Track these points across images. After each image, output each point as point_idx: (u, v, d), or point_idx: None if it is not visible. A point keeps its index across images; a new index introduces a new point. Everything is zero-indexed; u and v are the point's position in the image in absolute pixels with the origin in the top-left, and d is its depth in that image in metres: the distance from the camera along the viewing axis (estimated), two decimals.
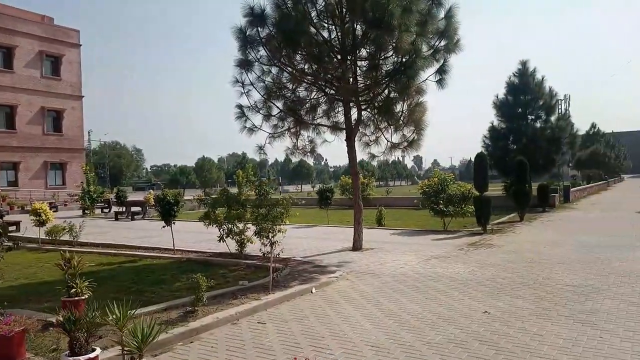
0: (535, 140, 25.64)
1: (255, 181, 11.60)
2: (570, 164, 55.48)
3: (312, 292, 8.01)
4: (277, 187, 75.23)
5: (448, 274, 9.17)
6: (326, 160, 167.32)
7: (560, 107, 30.17)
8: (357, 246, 12.45)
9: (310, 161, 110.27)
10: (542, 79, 26.58)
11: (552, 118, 26.70)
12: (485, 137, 27.64)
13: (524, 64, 26.72)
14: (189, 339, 5.77)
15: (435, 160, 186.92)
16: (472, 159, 27.08)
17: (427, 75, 11.56)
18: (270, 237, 8.59)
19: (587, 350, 4.95)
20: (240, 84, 12.14)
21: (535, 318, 6.17)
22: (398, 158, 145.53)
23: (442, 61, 11.54)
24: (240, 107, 12.26)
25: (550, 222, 18.32)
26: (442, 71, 11.52)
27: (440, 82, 11.54)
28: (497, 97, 27.28)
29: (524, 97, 26.52)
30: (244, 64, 11.96)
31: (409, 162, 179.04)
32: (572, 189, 30.81)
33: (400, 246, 12.91)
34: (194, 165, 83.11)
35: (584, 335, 5.41)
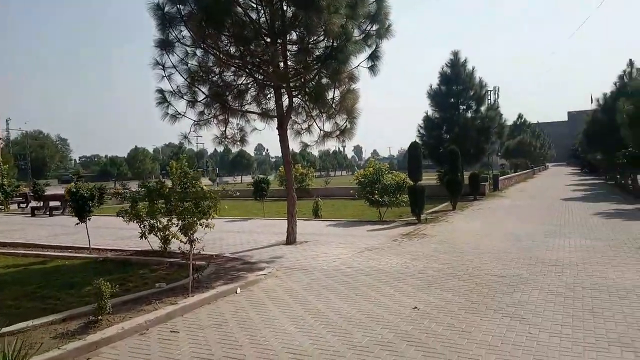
0: (466, 129, 26.33)
1: (180, 173, 10.77)
2: (500, 153, 58.20)
3: (236, 292, 7.43)
4: (215, 178, 73.38)
5: (380, 267, 8.90)
6: (267, 150, 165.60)
7: (489, 98, 31.26)
8: (290, 240, 11.98)
9: (250, 151, 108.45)
10: (473, 69, 27.34)
11: (482, 108, 27.54)
12: (420, 126, 28.07)
13: (455, 54, 27.31)
14: (86, 355, 5.03)
15: (375, 151, 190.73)
16: None
17: (360, 61, 11.27)
18: (189, 234, 7.87)
19: (517, 349, 4.76)
20: (161, 67, 11.19)
21: (465, 313, 5.97)
22: (338, 148, 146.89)
23: (374, 47, 11.22)
24: (161, 91, 11.31)
25: (480, 211, 18.79)
26: (374, 57, 11.21)
27: (372, 69, 11.23)
28: (431, 87, 27.76)
29: (456, 87, 27.13)
30: (164, 45, 11.01)
31: (349, 152, 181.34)
32: (501, 178, 32.08)
33: (335, 238, 12.58)
34: (126, 156, 78.95)
35: (513, 331, 5.24)
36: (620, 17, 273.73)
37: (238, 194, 26.72)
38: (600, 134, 26.80)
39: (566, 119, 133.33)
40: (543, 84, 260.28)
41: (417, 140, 28.40)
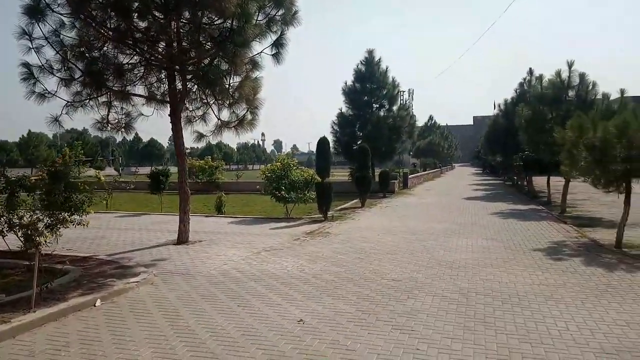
0: (379, 128, 26.49)
1: (51, 162, 9.24)
2: (411, 153, 60.41)
3: (95, 305, 6.25)
4: (119, 168, 68.49)
5: (274, 271, 8.13)
6: None
7: (402, 98, 31.92)
8: (182, 239, 10.85)
9: (164, 141, 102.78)
10: (387, 69, 27.56)
11: (395, 107, 27.88)
12: (334, 123, 27.81)
13: (370, 52, 27.36)
14: None
15: (294, 145, 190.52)
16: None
17: (263, 47, 10.41)
18: (35, 236, 6.53)
19: None
20: (28, 37, 9.50)
21: (353, 326, 5.37)
22: (257, 142, 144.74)
23: (279, 33, 10.41)
24: (27, 65, 9.60)
25: (388, 208, 18.79)
26: (279, 44, 10.40)
27: (276, 57, 10.43)
28: (346, 83, 27.60)
29: (370, 85, 27.20)
30: (34, 12, 9.36)
31: (269, 147, 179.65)
32: (410, 176, 32.93)
33: (234, 237, 11.63)
34: (18, 141, 71.02)
35: (400, 348, 4.71)
36: (522, 25, 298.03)
37: (132, 186, 24.81)
38: (500, 137, 28.27)
39: (472, 122, 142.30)
40: (452, 88, 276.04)
41: (332, 137, 28.39)
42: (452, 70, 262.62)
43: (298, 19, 10.40)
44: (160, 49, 9.73)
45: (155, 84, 11.16)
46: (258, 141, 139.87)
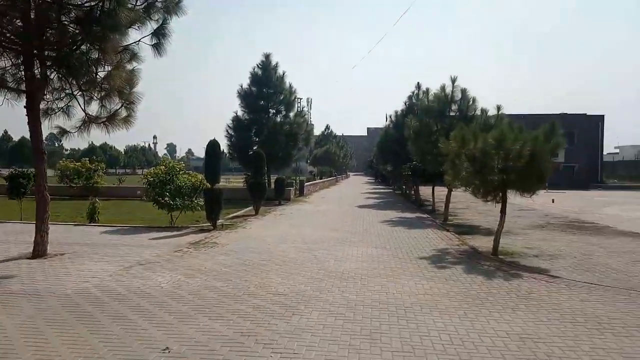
0: (275, 133, 26.07)
1: None
2: (309, 160, 61.11)
3: None
4: None
5: (145, 288, 7.15)
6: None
7: (300, 105, 31.91)
8: (38, 252, 9.30)
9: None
10: (284, 74, 27.28)
11: (291, 114, 27.70)
12: (229, 127, 26.78)
13: (267, 56, 26.90)
14: None
15: (190, 150, 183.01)
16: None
17: (142, 36, 9.38)
18: None
19: None
20: None
21: (227, 351, 4.71)
22: (149, 145, 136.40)
23: (160, 22, 9.45)
24: None
25: (282, 216, 18.34)
26: (160, 34, 9.45)
27: (157, 47, 9.45)
28: (242, 87, 26.79)
29: (267, 90, 26.71)
30: None
31: (161, 150, 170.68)
32: (306, 184, 32.97)
33: (104, 249, 10.27)
34: None
35: None
36: (413, 40, 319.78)
37: None
38: (391, 147, 29.43)
39: (366, 133, 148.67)
40: (348, 99, 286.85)
41: (226, 141, 27.33)
42: (349, 80, 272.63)
43: (182, 7, 9.53)
44: (11, 29, 8.22)
45: (9, 70, 9.49)
46: (149, 144, 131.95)
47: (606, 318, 5.73)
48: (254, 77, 26.86)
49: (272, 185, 25.06)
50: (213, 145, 14.08)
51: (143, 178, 15.10)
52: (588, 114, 50.42)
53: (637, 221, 16.84)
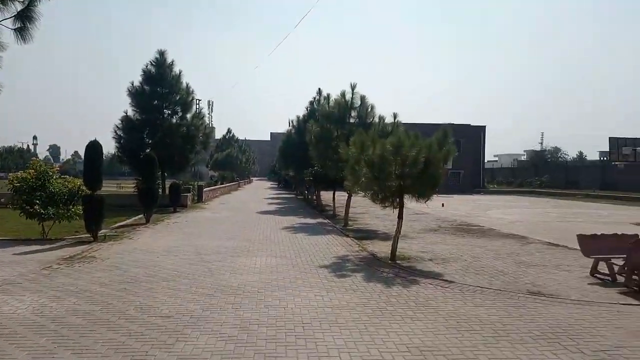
0: (171, 135, 24.48)
1: None
2: (209, 165, 58.99)
3: None
4: None
5: None
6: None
7: (198, 107, 30.46)
8: None
9: None
10: (180, 73, 25.72)
11: (189, 115, 26.23)
12: (117, 127, 24.57)
13: (161, 53, 25.18)
14: None
15: (76, 152, 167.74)
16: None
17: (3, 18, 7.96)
18: None
19: None
20: None
21: None
22: (27, 145, 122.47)
23: (26, 3, 8.11)
24: None
25: (176, 224, 17.11)
26: (25, 17, 8.12)
27: (21, 32, 8.11)
28: (133, 84, 24.77)
29: (161, 89, 25.01)
30: None
31: (42, 153, 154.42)
32: (205, 189, 31.51)
33: None
34: None
35: None
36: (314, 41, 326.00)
37: None
38: (293, 152, 29.24)
39: (269, 138, 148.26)
40: (251, 103, 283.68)
41: (115, 143, 25.08)
42: (253, 84, 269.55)
43: None
44: None
45: None
46: (28, 145, 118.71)
47: (500, 324, 5.80)
48: (147, 75, 25.00)
49: (167, 191, 23.51)
50: (93, 147, 12.57)
51: (8, 183, 13.05)
52: (472, 124, 54.94)
53: (517, 224, 18.33)
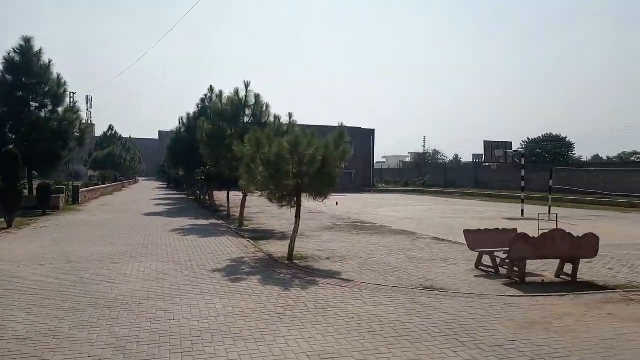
0: (39, 130, 21.61)
1: None
2: (88, 164, 53.81)
3: None
4: None
5: None
6: None
7: (72, 100, 27.42)
8: None
9: None
10: (49, 63, 22.76)
11: (60, 109, 23.39)
12: None
13: (27, 40, 22.04)
14: None
15: None
16: None
17: None
18: None
19: None
20: None
21: None
22: None
23: None
24: None
25: (45, 229, 15.05)
26: None
27: None
28: None
29: (27, 79, 21.96)
30: None
31: None
32: (82, 190, 28.55)
33: None
34: None
35: None
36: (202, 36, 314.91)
37: None
38: (183, 151, 27.66)
39: (157, 137, 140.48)
40: (138, 101, 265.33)
41: None
42: (140, 79, 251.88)
43: None
44: None
45: None
46: None
47: (400, 323, 5.71)
48: (10, 63, 21.75)
49: (35, 192, 20.75)
50: None
51: None
52: (362, 127, 57.22)
53: (405, 220, 19.15)
